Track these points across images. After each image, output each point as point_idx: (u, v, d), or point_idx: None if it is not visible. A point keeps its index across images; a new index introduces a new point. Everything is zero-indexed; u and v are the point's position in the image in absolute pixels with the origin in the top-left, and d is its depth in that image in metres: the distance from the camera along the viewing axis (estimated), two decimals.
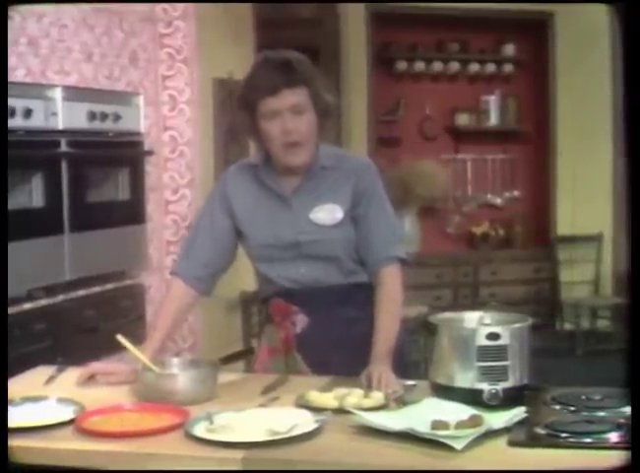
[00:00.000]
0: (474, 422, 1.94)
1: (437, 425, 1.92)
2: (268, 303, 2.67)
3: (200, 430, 1.98)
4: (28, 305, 3.70)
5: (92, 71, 4.20)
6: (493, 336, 2.10)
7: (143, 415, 2.12)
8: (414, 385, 2.30)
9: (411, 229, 7.21)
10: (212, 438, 1.93)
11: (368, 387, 2.28)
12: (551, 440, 1.89)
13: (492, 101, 7.59)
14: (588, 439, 1.87)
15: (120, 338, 2.40)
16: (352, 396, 2.18)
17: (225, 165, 3.85)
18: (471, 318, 2.27)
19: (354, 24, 7.04)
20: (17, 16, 3.61)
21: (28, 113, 3.56)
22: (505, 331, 2.12)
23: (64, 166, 3.84)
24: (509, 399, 2.08)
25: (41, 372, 2.59)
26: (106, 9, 4.30)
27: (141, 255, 4.54)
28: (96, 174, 4.15)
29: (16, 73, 3.61)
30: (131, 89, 4.50)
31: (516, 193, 7.70)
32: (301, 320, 2.61)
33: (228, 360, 2.49)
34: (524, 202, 7.71)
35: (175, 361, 2.49)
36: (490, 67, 7.53)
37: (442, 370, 2.16)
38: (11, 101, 3.34)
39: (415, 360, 2.44)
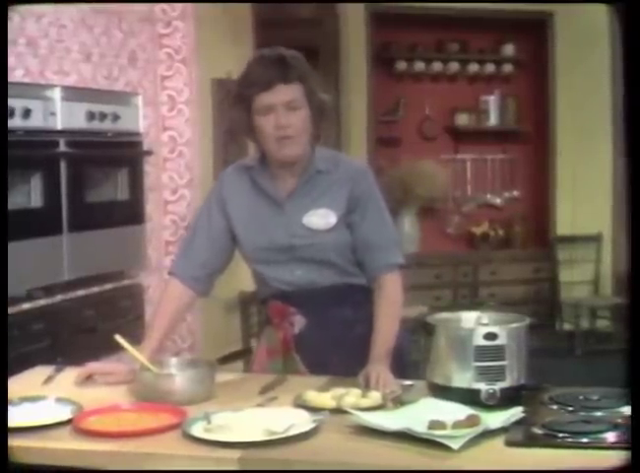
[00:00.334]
0: (471, 422, 1.94)
1: (434, 425, 1.92)
2: (266, 304, 2.68)
3: (197, 429, 1.98)
4: (26, 305, 3.70)
5: (90, 71, 4.20)
6: (491, 336, 2.11)
7: (140, 415, 2.13)
8: (411, 385, 2.30)
9: (410, 229, 7.22)
10: (209, 437, 1.93)
11: (366, 387, 2.28)
12: (549, 440, 1.89)
13: (492, 101, 7.59)
14: (585, 439, 1.88)
15: (118, 338, 2.40)
16: (350, 396, 2.18)
17: (224, 165, 3.86)
18: (468, 318, 2.27)
19: (354, 24, 7.03)
20: (16, 16, 3.61)
21: (26, 113, 3.56)
22: (502, 331, 2.12)
23: (63, 166, 3.84)
24: (506, 399, 2.08)
25: (40, 372, 2.60)
26: (105, 9, 4.30)
27: (140, 255, 4.54)
28: (95, 175, 4.15)
29: (14, 73, 3.61)
30: (130, 89, 4.51)
31: (516, 193, 7.70)
32: (299, 321, 2.61)
33: (226, 360, 2.50)
34: (523, 202, 7.71)
35: (173, 361, 2.50)
36: (490, 67, 7.53)
37: (440, 369, 2.16)
38: (10, 102, 3.34)
39: (415, 360, 2.43)
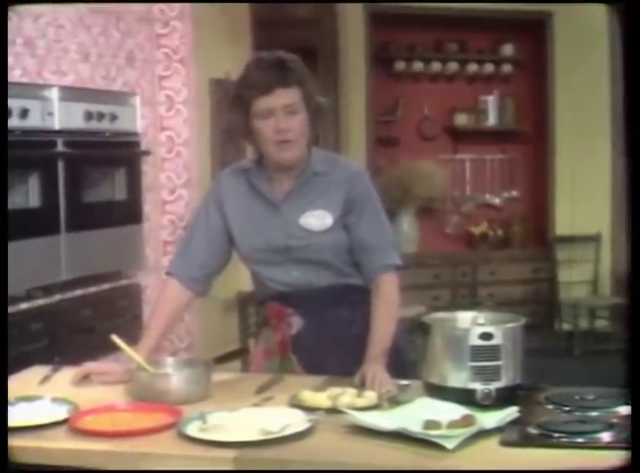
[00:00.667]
0: (466, 421, 1.94)
1: (429, 424, 1.92)
2: (264, 305, 2.69)
3: (193, 429, 1.98)
4: (24, 305, 3.71)
5: (88, 71, 4.20)
6: (486, 336, 2.11)
7: (136, 414, 2.13)
8: (407, 385, 2.30)
9: (409, 229, 7.22)
10: (204, 437, 1.93)
11: (362, 387, 2.28)
12: (544, 440, 1.89)
13: (491, 101, 7.59)
14: (580, 439, 1.88)
15: (114, 338, 2.40)
16: (346, 396, 2.18)
17: (222, 165, 3.86)
18: (464, 318, 2.27)
19: (353, 24, 7.03)
20: (14, 16, 3.61)
21: (24, 113, 3.57)
22: (498, 331, 2.12)
23: (61, 166, 3.84)
24: (502, 399, 2.08)
25: (36, 372, 2.60)
26: (103, 9, 4.30)
27: (138, 255, 4.54)
28: (93, 174, 4.16)
29: (12, 73, 3.62)
30: (128, 89, 4.51)
31: (515, 193, 7.69)
32: (297, 322, 2.61)
33: (222, 359, 2.49)
34: (522, 202, 7.71)
35: (170, 360, 2.50)
36: (489, 67, 7.53)
37: (435, 369, 2.16)
38: (7, 102, 3.34)
39: (413, 359, 2.43)
